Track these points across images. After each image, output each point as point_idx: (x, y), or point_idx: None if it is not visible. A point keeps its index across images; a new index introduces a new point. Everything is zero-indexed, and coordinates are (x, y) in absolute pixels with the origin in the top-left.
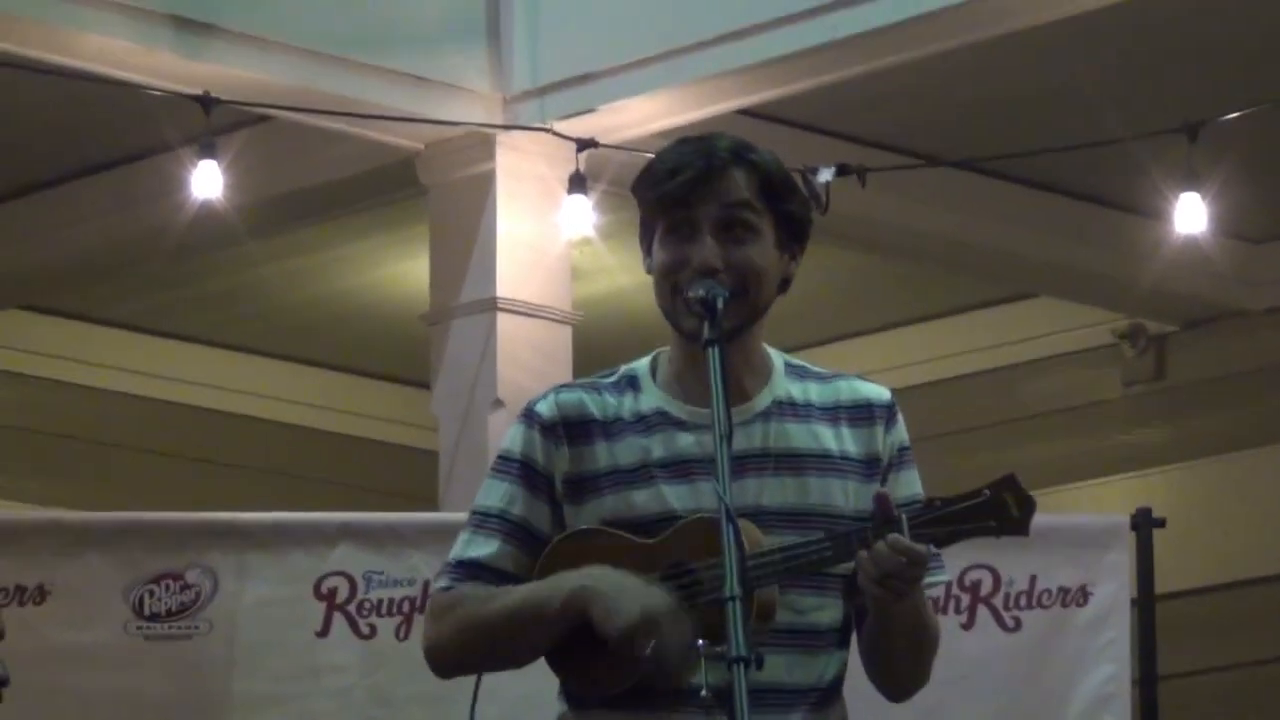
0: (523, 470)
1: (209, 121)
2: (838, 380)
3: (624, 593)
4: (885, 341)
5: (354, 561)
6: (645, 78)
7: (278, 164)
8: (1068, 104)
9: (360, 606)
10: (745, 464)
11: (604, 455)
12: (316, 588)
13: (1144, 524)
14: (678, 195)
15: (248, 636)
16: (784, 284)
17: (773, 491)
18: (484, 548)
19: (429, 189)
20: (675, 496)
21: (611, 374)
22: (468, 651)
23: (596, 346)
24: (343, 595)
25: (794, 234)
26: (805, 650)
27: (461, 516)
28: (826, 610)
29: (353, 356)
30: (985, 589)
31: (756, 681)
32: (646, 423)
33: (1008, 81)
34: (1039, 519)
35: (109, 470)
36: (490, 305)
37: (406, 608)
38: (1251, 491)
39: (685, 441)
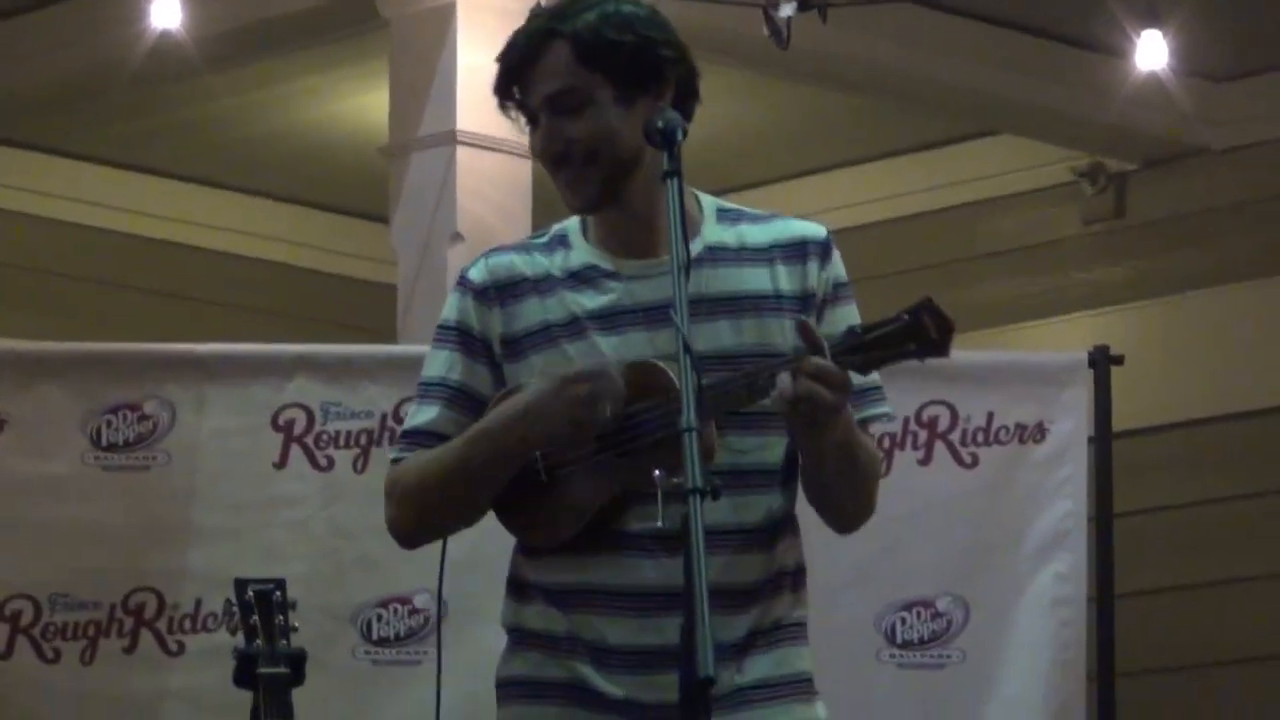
0: (459, 337)
1: None
2: (773, 220)
3: (548, 403)
4: (843, 178)
5: (311, 393)
6: None
7: None
8: None
9: (318, 438)
10: None
11: (536, 312)
12: (274, 419)
13: (1102, 361)
14: (504, 89)
15: (206, 468)
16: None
17: (707, 336)
18: (426, 415)
19: (389, 21)
20: (608, 347)
21: (543, 234)
22: (425, 516)
23: None
24: (300, 427)
25: (636, 81)
26: (753, 489)
27: (419, 349)
28: (770, 448)
29: (311, 189)
30: (943, 425)
31: (712, 521)
32: (578, 278)
33: None
34: (997, 356)
35: (65, 301)
36: (450, 139)
37: (364, 440)
38: (1209, 330)
39: (616, 293)
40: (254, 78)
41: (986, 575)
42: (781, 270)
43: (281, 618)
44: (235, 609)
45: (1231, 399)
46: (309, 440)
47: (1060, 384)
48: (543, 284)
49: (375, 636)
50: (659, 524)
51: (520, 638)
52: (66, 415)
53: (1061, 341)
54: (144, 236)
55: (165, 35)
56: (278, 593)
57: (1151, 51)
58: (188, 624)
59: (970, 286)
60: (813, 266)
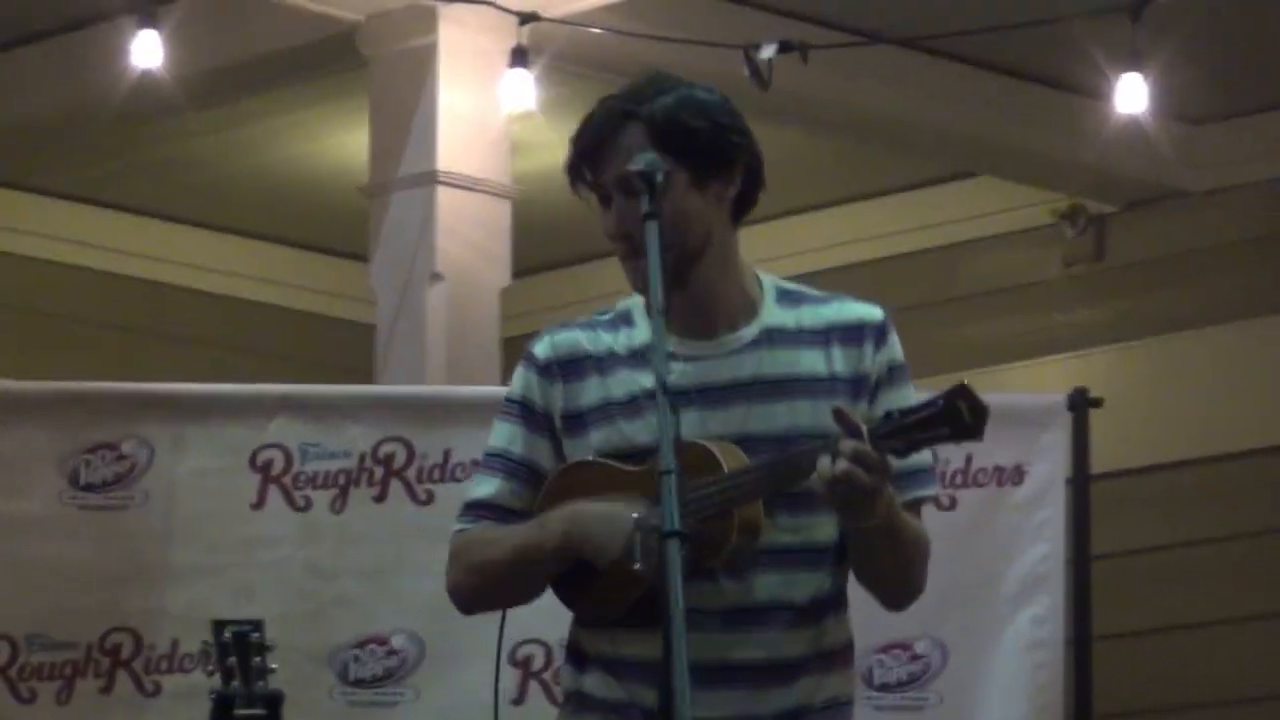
0: (522, 411)
1: None
2: (831, 302)
3: (604, 526)
4: (825, 219)
5: (290, 434)
6: None
7: (218, 34)
8: None
9: (296, 479)
10: (733, 393)
11: (597, 389)
12: (252, 459)
13: (1080, 404)
14: (577, 169)
15: (183, 508)
16: (737, 206)
17: (759, 418)
18: (487, 487)
19: (369, 61)
20: None
21: (608, 312)
22: (481, 591)
23: (536, 221)
24: (278, 467)
25: (711, 165)
26: (802, 567)
27: (401, 390)
28: (821, 527)
29: (291, 228)
30: None
31: (761, 599)
32: (639, 357)
33: None
34: None
35: (44, 339)
36: (430, 179)
37: (342, 480)
38: (1188, 373)
39: (674, 373)
40: (234, 116)
41: (964, 617)
42: (837, 353)
43: (259, 659)
44: (213, 650)
45: (1211, 441)
46: (287, 480)
47: (1040, 426)
48: (605, 361)
49: (352, 678)
50: (636, 565)
51: (581, 701)
52: (44, 454)
53: (1042, 383)
54: (124, 275)
55: (146, 74)
56: (255, 634)
57: (1131, 94)
58: (164, 664)
59: (950, 328)
60: (868, 349)
